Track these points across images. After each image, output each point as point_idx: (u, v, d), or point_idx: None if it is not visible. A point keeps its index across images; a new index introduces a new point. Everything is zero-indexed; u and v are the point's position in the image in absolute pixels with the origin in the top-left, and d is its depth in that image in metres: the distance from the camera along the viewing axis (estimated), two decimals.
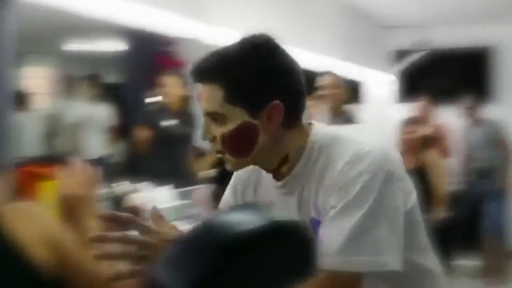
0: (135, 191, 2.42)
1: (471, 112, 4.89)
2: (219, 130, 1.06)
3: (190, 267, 0.73)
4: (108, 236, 0.97)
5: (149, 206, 2.30)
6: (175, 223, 1.45)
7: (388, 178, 1.02)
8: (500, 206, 4.72)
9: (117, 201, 2.27)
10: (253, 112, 1.04)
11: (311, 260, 0.84)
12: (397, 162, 1.09)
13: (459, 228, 3.04)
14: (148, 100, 5.09)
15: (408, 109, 5.12)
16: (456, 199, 2.87)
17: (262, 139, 1.06)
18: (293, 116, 1.08)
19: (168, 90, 3.42)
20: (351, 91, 5.08)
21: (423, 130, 4.51)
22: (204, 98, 1.06)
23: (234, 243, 0.73)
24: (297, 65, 1.09)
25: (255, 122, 1.04)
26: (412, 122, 4.08)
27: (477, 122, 4.90)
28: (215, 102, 1.04)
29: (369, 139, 1.10)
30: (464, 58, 5.77)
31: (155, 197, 2.49)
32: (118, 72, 5.23)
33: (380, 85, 6.15)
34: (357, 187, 1.01)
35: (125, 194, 2.34)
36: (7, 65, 1.97)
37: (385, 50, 6.07)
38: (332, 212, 1.03)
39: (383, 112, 6.10)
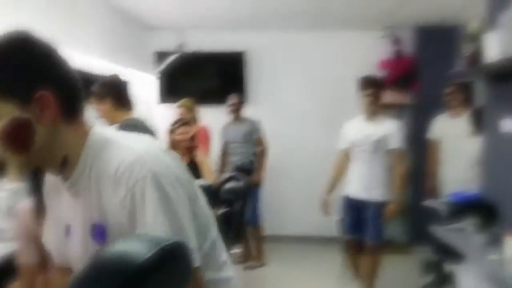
0: None
1: (233, 110, 5.23)
2: None
3: None
4: None
5: None
6: None
7: (161, 181, 1.07)
8: (256, 196, 5.24)
9: None
10: (23, 105, 1.02)
11: (189, 272, 0.95)
12: (171, 166, 1.14)
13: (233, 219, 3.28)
14: None
15: (172, 110, 5.28)
16: (241, 195, 3.09)
17: (40, 132, 1.05)
18: (69, 109, 1.10)
19: None
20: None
21: (192, 131, 4.75)
22: None
23: (133, 274, 0.77)
24: (63, 58, 1.10)
25: (27, 115, 1.03)
26: (183, 123, 4.23)
27: (238, 119, 5.28)
28: None
29: (141, 145, 1.14)
30: (222, 61, 6.11)
31: None
32: None
33: (145, 86, 6.20)
34: (139, 197, 1.05)
35: None
36: None
37: (148, 51, 6.12)
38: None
39: (148, 113, 6.17)
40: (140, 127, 3.13)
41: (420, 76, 5.69)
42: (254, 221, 5.28)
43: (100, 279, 0.75)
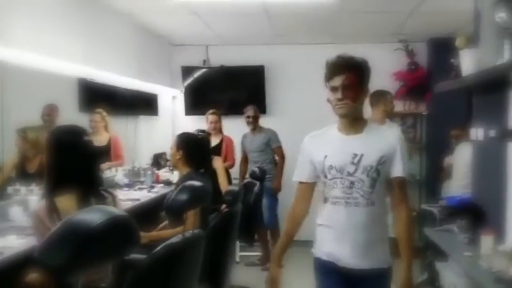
0: None
1: (250, 122, 5.56)
2: None
3: (60, 250, 1.05)
4: None
5: None
6: None
7: None
8: (274, 201, 5.56)
9: None
10: None
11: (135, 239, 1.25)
12: None
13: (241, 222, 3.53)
14: None
15: (197, 121, 5.67)
16: (237, 197, 3.35)
17: None
18: None
19: None
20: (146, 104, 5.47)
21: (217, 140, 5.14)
22: None
23: (87, 234, 1.08)
24: None
25: None
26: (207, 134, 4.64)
27: (256, 130, 5.60)
28: None
29: None
30: (243, 74, 6.49)
31: None
32: None
33: (171, 99, 6.62)
34: None
35: None
36: None
37: (174, 66, 6.56)
38: None
39: (175, 124, 6.59)
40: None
41: (432, 86, 5.87)
42: (273, 225, 5.57)
43: (63, 236, 1.07)
